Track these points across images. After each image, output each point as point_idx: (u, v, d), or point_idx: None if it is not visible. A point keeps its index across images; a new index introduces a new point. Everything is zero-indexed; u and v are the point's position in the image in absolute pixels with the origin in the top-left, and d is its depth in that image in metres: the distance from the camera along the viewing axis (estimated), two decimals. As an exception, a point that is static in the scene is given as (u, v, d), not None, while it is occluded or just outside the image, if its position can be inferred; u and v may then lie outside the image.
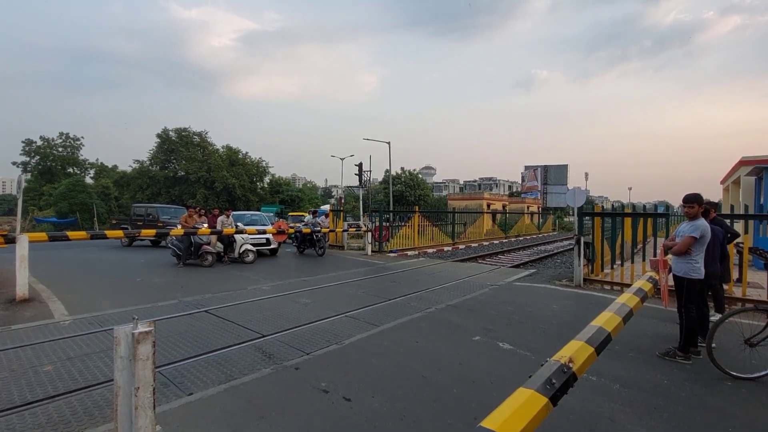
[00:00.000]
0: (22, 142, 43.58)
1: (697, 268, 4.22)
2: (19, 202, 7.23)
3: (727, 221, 5.97)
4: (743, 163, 13.36)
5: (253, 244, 11.90)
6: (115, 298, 6.75)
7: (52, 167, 44.74)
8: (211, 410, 3.09)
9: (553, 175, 60.37)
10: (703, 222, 4.25)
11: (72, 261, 11.23)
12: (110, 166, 53.55)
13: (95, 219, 34.71)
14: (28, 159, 43.91)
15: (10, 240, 6.60)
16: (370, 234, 14.52)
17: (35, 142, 43.97)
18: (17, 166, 43.92)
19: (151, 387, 1.80)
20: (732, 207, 8.12)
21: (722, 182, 19.34)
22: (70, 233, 8.38)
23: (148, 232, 10.13)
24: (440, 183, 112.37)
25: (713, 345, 3.97)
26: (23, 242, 6.57)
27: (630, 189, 50.55)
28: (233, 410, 3.10)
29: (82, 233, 8.78)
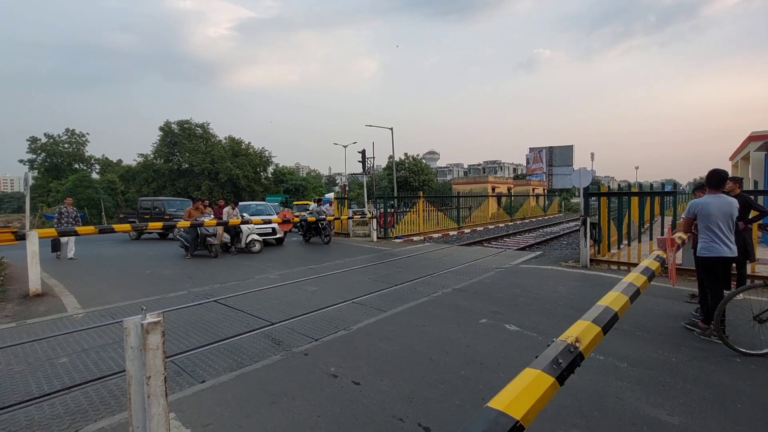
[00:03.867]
0: (27, 139, 43.78)
1: (700, 246, 4.21)
2: (27, 200, 7.30)
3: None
4: (752, 138, 13.11)
5: (259, 234, 11.98)
6: (126, 291, 6.86)
7: (59, 164, 45.01)
8: (224, 397, 3.16)
9: (558, 156, 59.85)
10: (693, 201, 4.31)
11: (82, 255, 11.37)
12: (115, 161, 53.79)
13: (103, 214, 35.06)
14: (34, 156, 44.17)
15: (21, 237, 6.69)
16: (375, 221, 14.53)
17: (40, 140, 44.18)
18: (24, 164, 44.26)
19: (162, 376, 1.83)
20: (755, 183, 7.99)
21: (731, 158, 19.03)
22: (78, 228, 8.49)
23: (155, 225, 10.21)
24: (444, 168, 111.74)
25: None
26: (33, 238, 6.66)
27: (637, 168, 50.03)
28: (245, 396, 3.16)
29: (91, 228, 8.89)
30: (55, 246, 10.58)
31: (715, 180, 4.21)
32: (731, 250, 4.07)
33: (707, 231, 4.13)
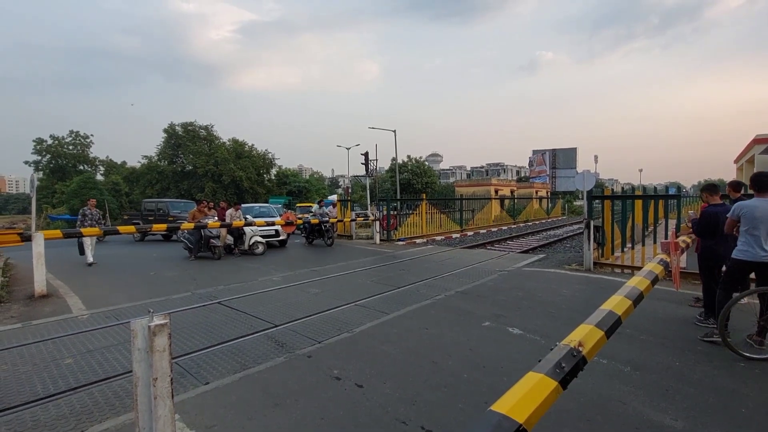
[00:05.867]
0: (33, 141, 44.15)
1: (738, 249, 4.07)
2: (33, 201, 7.36)
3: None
4: (757, 141, 13.07)
5: (263, 236, 12.01)
6: (130, 292, 6.90)
7: (64, 165, 45.33)
8: (228, 398, 3.17)
9: (561, 158, 59.71)
10: (739, 203, 4.14)
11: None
12: (119, 163, 54.11)
13: (107, 215, 35.24)
14: (39, 158, 44.52)
15: (27, 238, 6.75)
16: (378, 223, 14.55)
17: (45, 141, 44.53)
18: (29, 165, 44.61)
19: (169, 377, 1.85)
20: None
21: (736, 161, 18.96)
22: (83, 230, 8.55)
23: (160, 227, 10.25)
24: (447, 170, 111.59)
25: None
26: (39, 240, 6.71)
27: (641, 171, 49.69)
28: (248, 398, 3.17)
29: (96, 230, 8.95)
30: (82, 249, 10.12)
31: (764, 183, 3.99)
32: None
33: (747, 234, 3.94)
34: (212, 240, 10.72)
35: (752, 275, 4.11)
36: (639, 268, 6.48)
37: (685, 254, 5.64)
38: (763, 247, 3.86)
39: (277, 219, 13.29)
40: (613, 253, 8.97)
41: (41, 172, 44.04)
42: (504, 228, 22.65)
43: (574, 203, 45.37)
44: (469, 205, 22.09)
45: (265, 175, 47.38)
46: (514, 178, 79.93)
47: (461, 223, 19.57)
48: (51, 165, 44.91)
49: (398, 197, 30.23)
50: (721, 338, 3.91)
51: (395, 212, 16.53)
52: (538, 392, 1.45)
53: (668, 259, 3.93)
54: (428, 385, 3.35)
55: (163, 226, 10.60)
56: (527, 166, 69.08)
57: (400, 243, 14.41)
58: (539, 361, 1.64)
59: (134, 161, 50.49)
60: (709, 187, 4.87)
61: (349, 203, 18.12)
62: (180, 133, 43.64)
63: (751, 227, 3.90)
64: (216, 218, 11.48)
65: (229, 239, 11.49)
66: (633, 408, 2.97)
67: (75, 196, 36.70)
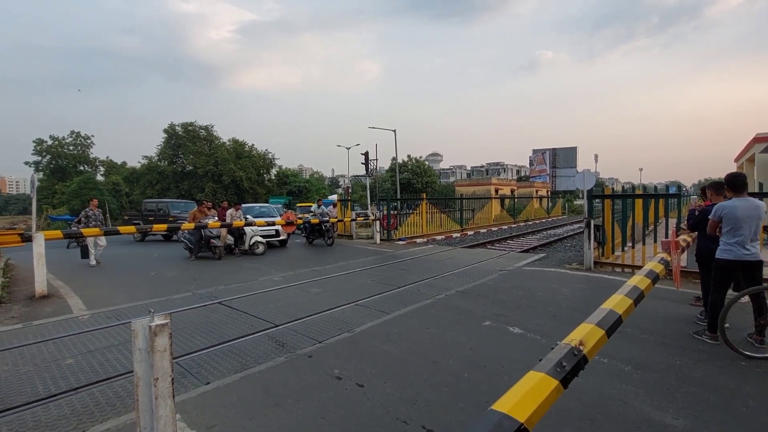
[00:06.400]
0: (33, 141, 44.14)
1: (720, 248, 4.10)
2: (33, 201, 7.36)
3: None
4: (758, 140, 13.06)
5: (263, 236, 12.01)
6: (131, 292, 6.90)
7: (64, 166, 45.33)
8: (228, 398, 3.17)
9: (561, 158, 59.65)
10: (719, 204, 4.14)
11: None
12: (119, 163, 54.11)
13: (107, 215, 35.25)
14: (39, 158, 44.52)
15: (27, 238, 6.75)
16: (378, 223, 14.55)
17: (46, 142, 44.53)
18: (29, 166, 44.60)
19: (170, 377, 1.85)
20: (761, 185, 7.84)
21: (736, 160, 18.96)
22: (84, 230, 8.55)
23: (160, 227, 10.25)
24: (447, 169, 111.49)
25: (726, 325, 3.93)
26: (39, 240, 6.71)
27: (641, 170, 49.65)
28: (249, 398, 3.18)
29: (96, 230, 8.95)
30: (85, 252, 10.07)
31: (739, 183, 4.02)
32: (752, 253, 3.92)
33: (730, 234, 3.98)
34: (212, 240, 10.72)
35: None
36: (639, 267, 6.47)
37: (685, 253, 5.64)
38: (746, 246, 3.92)
39: (278, 219, 13.29)
40: (613, 252, 8.96)
41: (41, 173, 44.03)
42: (504, 227, 22.65)
43: (575, 202, 45.38)
44: (470, 205, 22.08)
45: (265, 175, 47.38)
46: (514, 177, 79.90)
47: (461, 222, 19.56)
48: (51, 165, 44.89)
49: (398, 197, 30.21)
50: (721, 338, 3.91)
51: (395, 212, 16.53)
52: (539, 391, 1.45)
53: (669, 258, 3.92)
54: (429, 385, 3.35)
55: (164, 226, 10.60)
56: (527, 166, 69.02)
57: (401, 243, 14.41)
58: (540, 360, 1.63)
59: (134, 161, 50.69)
60: (716, 185, 4.73)
61: (349, 203, 18.12)
62: (180, 133, 43.64)
63: (734, 227, 3.95)
64: (216, 218, 11.48)
65: (230, 239, 11.49)
66: (634, 407, 2.97)
67: (75, 197, 36.74)
